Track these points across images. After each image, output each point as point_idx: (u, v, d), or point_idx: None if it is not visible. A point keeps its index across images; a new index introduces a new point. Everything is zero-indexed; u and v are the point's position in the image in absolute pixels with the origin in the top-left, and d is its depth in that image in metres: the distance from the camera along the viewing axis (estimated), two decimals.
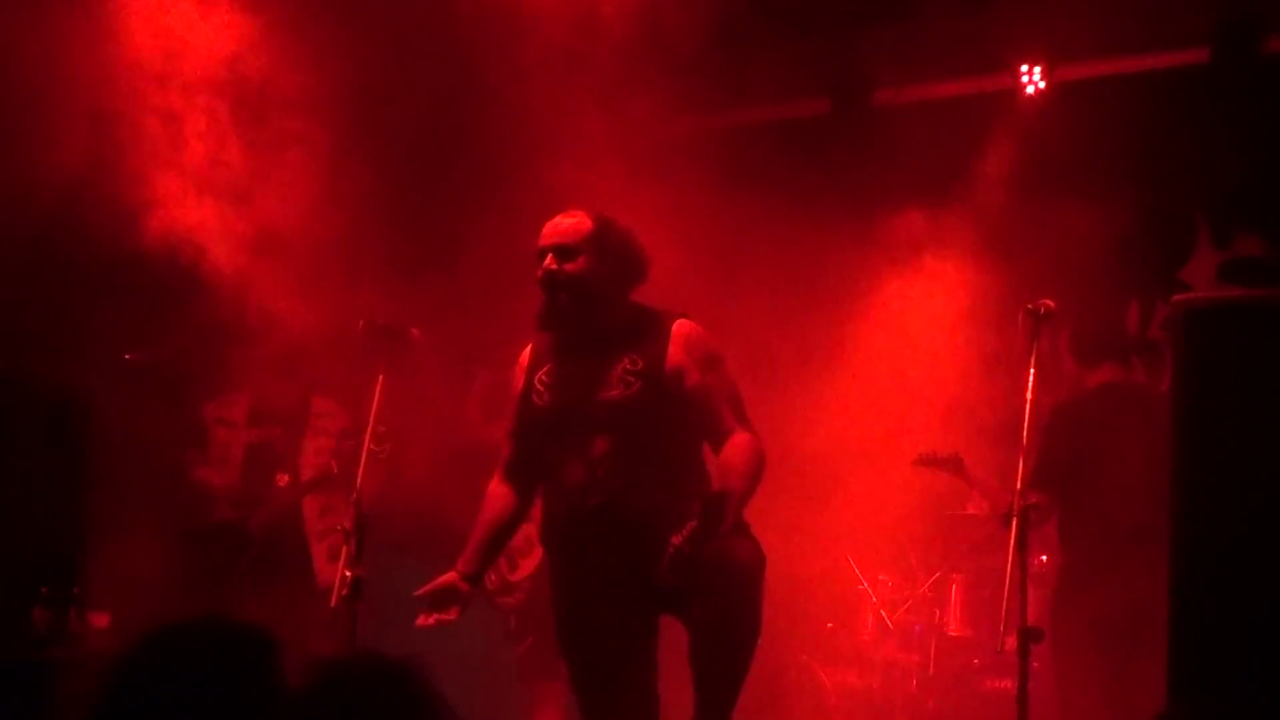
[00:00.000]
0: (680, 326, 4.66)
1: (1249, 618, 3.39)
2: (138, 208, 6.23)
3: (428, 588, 4.79)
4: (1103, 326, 6.41)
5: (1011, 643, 4.99)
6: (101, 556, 6.65)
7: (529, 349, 4.89)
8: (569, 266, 4.63)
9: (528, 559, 6.78)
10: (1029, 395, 5.24)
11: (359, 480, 5.96)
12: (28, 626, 6.05)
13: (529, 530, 6.02)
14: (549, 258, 4.66)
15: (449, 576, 4.81)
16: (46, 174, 6.28)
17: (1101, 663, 5.88)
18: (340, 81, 6.37)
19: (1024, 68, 7.73)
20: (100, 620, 6.27)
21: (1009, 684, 6.47)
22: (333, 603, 5.93)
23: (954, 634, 7.27)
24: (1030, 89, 7.75)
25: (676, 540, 4.32)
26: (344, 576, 5.96)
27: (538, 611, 6.31)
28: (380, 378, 5.93)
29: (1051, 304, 5.32)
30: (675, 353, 4.61)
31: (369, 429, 5.95)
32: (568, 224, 4.70)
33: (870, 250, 7.65)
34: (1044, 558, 6.70)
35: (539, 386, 4.75)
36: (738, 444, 4.51)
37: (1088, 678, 5.89)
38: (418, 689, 2.57)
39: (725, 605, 4.29)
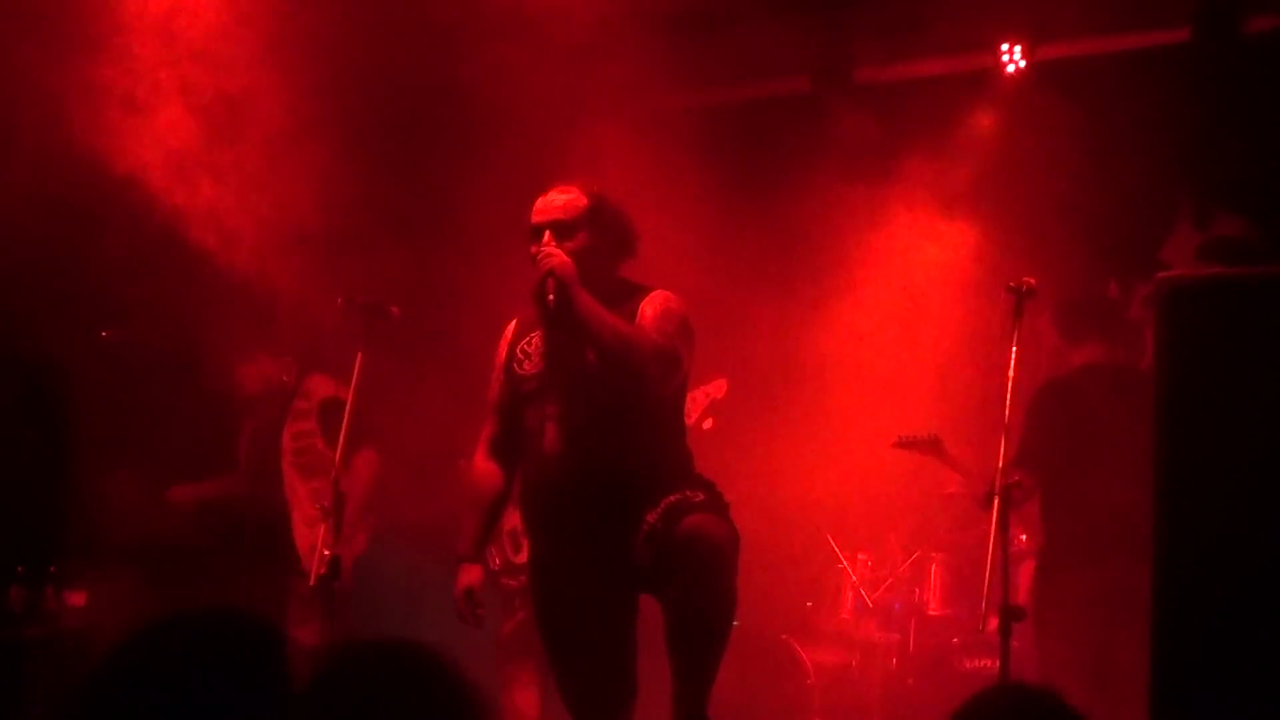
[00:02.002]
0: (655, 294, 4.67)
1: (1235, 599, 3.38)
2: (114, 184, 6.21)
3: (462, 589, 4.73)
4: (1086, 302, 6.39)
5: (993, 622, 5.00)
6: (78, 535, 6.65)
7: (514, 323, 4.87)
8: (566, 245, 4.58)
9: None
10: (1010, 373, 5.25)
11: (337, 458, 5.95)
12: (3, 605, 6.05)
13: None
14: (545, 235, 4.61)
15: (473, 572, 4.77)
16: (15, 149, 6.25)
17: (1084, 642, 5.89)
18: (322, 54, 6.35)
19: (1004, 46, 7.72)
20: (76, 599, 6.26)
21: (988, 663, 6.52)
22: (310, 581, 5.95)
23: (933, 613, 7.29)
24: (1011, 68, 7.74)
25: (651, 518, 4.32)
26: (322, 555, 5.97)
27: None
28: (360, 355, 5.94)
29: (1032, 281, 5.32)
30: (642, 312, 4.61)
31: (348, 407, 5.96)
32: (563, 200, 4.65)
33: (850, 228, 7.65)
34: (1023, 537, 6.71)
35: (520, 355, 4.74)
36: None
37: (1070, 657, 5.90)
38: (448, 677, 2.52)
39: (698, 584, 4.28)
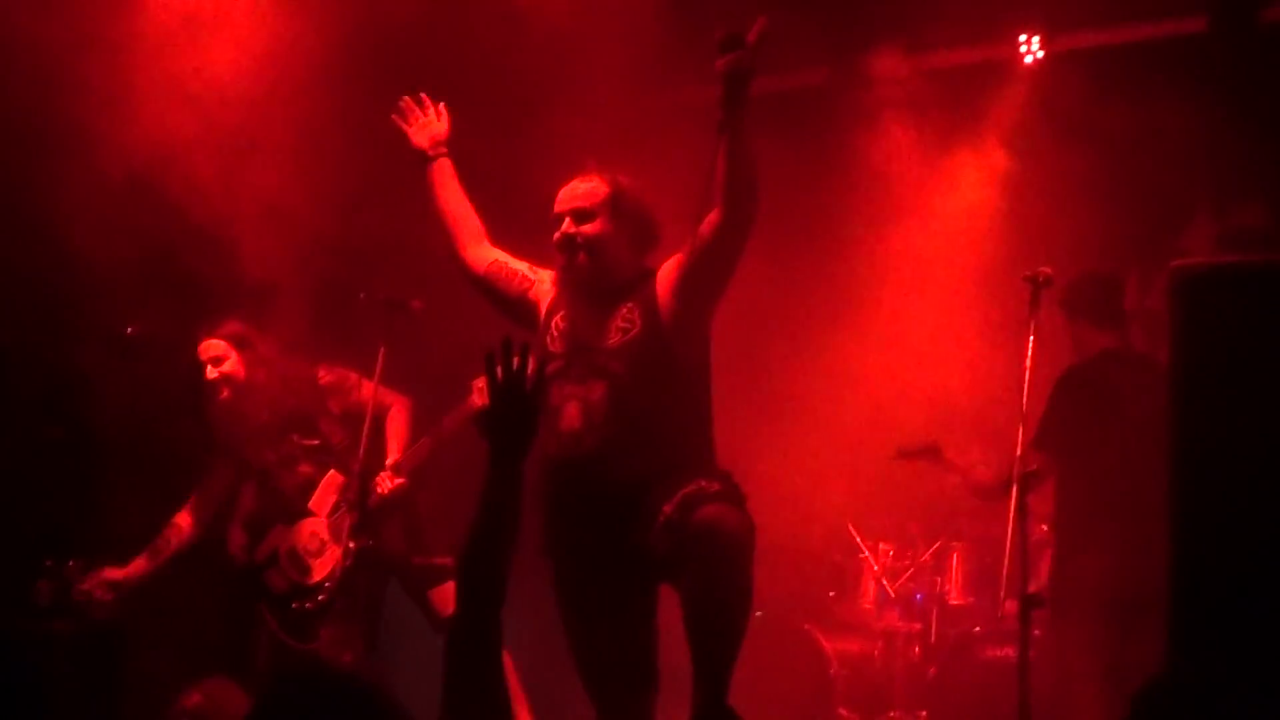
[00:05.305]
0: (663, 266, 4.72)
1: (1247, 581, 3.40)
2: (131, 179, 6.26)
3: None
4: (1102, 290, 6.39)
5: (1011, 608, 5.03)
6: (104, 530, 6.69)
7: (555, 277, 4.90)
8: (586, 228, 4.69)
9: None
10: (1027, 363, 5.27)
11: (360, 453, 5.99)
12: (31, 599, 6.10)
13: None
14: (566, 221, 4.71)
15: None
16: (33, 150, 6.30)
17: (1101, 627, 5.91)
18: (355, 34, 6.40)
19: (1022, 37, 7.74)
20: (104, 593, 6.29)
21: (1010, 651, 6.51)
22: (337, 575, 6.00)
23: (955, 602, 7.31)
24: (1029, 59, 7.76)
25: (668, 509, 4.35)
26: (348, 548, 6.02)
27: None
28: (381, 349, 5.98)
29: (1049, 271, 5.35)
30: (661, 283, 4.67)
31: (370, 404, 5.99)
32: (584, 188, 4.75)
33: (871, 220, 7.68)
34: (1045, 527, 6.73)
35: (554, 331, 4.78)
36: None
37: (1087, 641, 5.92)
38: (370, 699, 2.56)
39: (715, 575, 4.29)
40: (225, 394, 6.31)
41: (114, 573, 6.29)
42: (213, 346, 6.33)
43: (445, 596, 6.16)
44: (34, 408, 6.94)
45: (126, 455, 6.96)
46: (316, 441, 6.32)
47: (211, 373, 6.30)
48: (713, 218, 4.50)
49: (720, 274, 4.63)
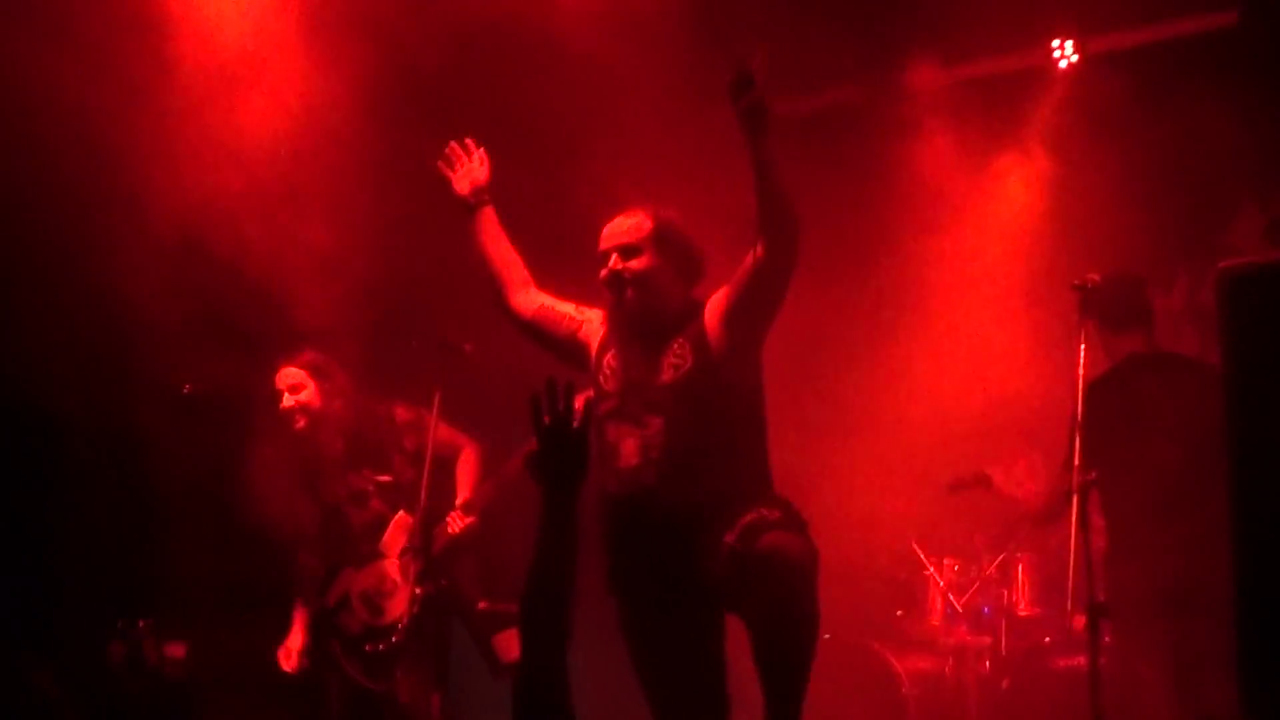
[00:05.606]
0: (711, 298, 4.72)
1: None
2: (181, 237, 6.32)
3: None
4: (1124, 294, 6.31)
5: (1079, 620, 5.00)
6: (175, 589, 6.74)
7: (604, 315, 4.92)
8: (632, 264, 4.70)
9: None
10: (1080, 371, 5.25)
11: (422, 497, 6.00)
12: (104, 660, 6.15)
13: None
14: (613, 258, 4.73)
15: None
16: (86, 212, 6.38)
17: (1160, 633, 5.86)
18: (392, 81, 6.44)
19: (1055, 42, 7.73)
20: (177, 650, 6.34)
21: (1082, 661, 6.47)
22: (405, 621, 6.01)
23: (1024, 614, 7.26)
24: (1064, 63, 7.75)
25: (730, 539, 4.36)
26: (414, 594, 6.03)
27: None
28: (437, 394, 5.99)
29: (1097, 278, 5.33)
30: (710, 316, 4.67)
31: (429, 446, 6.00)
32: (629, 224, 4.77)
33: (917, 231, 7.68)
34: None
35: (607, 370, 4.80)
36: None
37: (1147, 647, 5.88)
38: None
39: (780, 603, 4.29)
40: (301, 423, 6.33)
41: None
42: (291, 375, 6.34)
43: (509, 642, 6.15)
44: (97, 468, 7.00)
45: (188, 512, 7.00)
46: (389, 478, 6.31)
47: (288, 400, 6.31)
48: (757, 251, 4.51)
49: (768, 305, 4.63)
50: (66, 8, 5.95)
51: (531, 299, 5.06)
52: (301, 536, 6.47)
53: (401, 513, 6.25)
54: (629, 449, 4.64)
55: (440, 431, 6.12)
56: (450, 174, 5.18)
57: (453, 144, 5.20)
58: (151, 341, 6.62)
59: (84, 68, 5.96)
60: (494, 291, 5.11)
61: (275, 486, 6.48)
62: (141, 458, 6.90)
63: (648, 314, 4.74)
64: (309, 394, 6.32)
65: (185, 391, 6.80)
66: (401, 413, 6.32)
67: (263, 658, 6.51)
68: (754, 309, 4.63)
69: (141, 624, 6.22)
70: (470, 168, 5.18)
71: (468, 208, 5.14)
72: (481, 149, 5.21)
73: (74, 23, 5.95)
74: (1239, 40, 7.29)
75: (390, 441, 6.33)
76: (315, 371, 6.34)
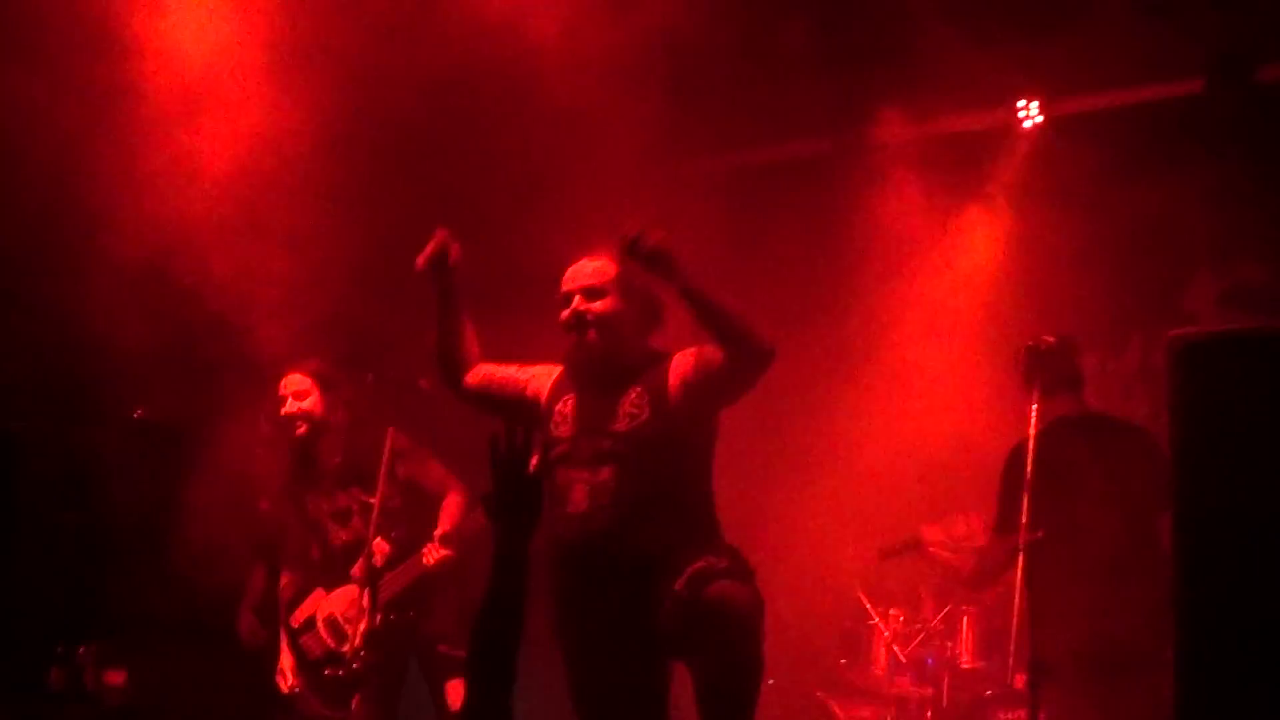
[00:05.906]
0: (679, 355, 4.75)
1: (1259, 651, 3.39)
2: (142, 263, 6.29)
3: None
4: (1044, 359, 6.29)
5: (1020, 679, 5.00)
6: (117, 614, 6.69)
7: (562, 371, 4.93)
8: (596, 305, 4.74)
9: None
10: (1031, 431, 5.27)
11: (370, 535, 5.96)
12: (44, 685, 6.10)
13: None
14: (576, 299, 4.76)
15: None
16: (48, 236, 6.35)
17: (1085, 695, 5.86)
18: (358, 116, 6.43)
19: (1020, 103, 7.79)
20: (116, 677, 6.30)
21: (1022, 714, 6.48)
22: (349, 656, 5.96)
23: (966, 666, 7.26)
24: (1028, 124, 7.81)
25: (677, 586, 4.38)
26: (374, 621, 5.96)
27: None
28: (390, 431, 5.96)
29: (1051, 339, 5.36)
30: (674, 374, 4.70)
31: (380, 483, 5.95)
32: (593, 267, 4.81)
33: (878, 281, 7.72)
34: None
35: (558, 418, 4.81)
36: None
37: (1076, 707, 5.89)
38: None
39: (724, 650, 4.33)
40: (302, 429, 6.31)
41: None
42: (296, 381, 6.33)
43: (459, 691, 6.12)
44: (47, 492, 6.96)
45: (132, 538, 6.96)
46: (376, 501, 6.28)
47: (291, 406, 6.29)
48: (717, 357, 4.57)
49: (732, 395, 4.69)
50: (28, 29, 5.94)
51: (477, 371, 5.06)
52: (283, 553, 6.43)
53: (379, 539, 6.21)
54: (579, 495, 4.65)
55: (433, 469, 6.14)
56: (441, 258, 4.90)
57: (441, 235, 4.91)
58: (110, 366, 6.58)
59: (45, 90, 5.95)
60: (448, 372, 5.06)
61: (232, 508, 6.45)
62: (90, 482, 6.86)
63: (608, 357, 4.76)
64: (312, 401, 6.31)
65: (136, 417, 6.77)
66: (398, 438, 6.30)
67: (202, 686, 6.47)
68: (717, 397, 4.70)
69: (81, 650, 6.17)
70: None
71: (444, 289, 4.96)
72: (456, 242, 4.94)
73: (36, 45, 5.94)
74: (1203, 109, 7.35)
75: (383, 464, 6.29)
76: (321, 380, 6.34)
